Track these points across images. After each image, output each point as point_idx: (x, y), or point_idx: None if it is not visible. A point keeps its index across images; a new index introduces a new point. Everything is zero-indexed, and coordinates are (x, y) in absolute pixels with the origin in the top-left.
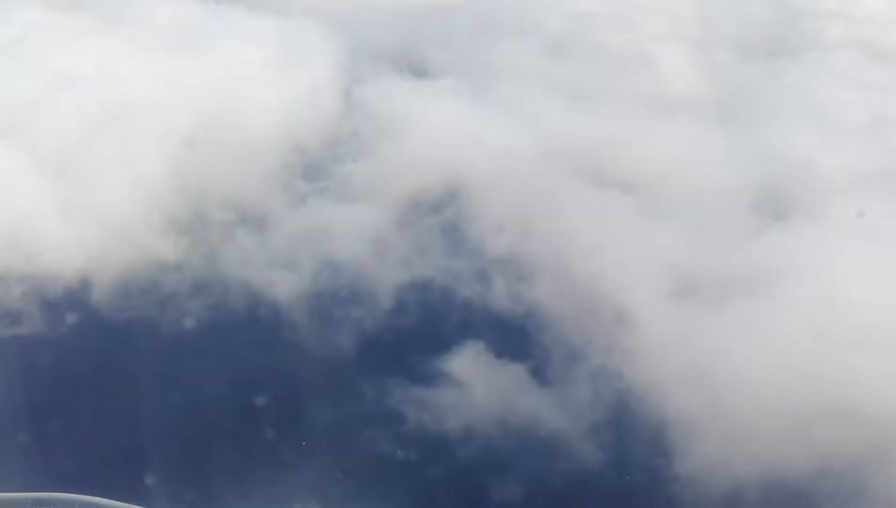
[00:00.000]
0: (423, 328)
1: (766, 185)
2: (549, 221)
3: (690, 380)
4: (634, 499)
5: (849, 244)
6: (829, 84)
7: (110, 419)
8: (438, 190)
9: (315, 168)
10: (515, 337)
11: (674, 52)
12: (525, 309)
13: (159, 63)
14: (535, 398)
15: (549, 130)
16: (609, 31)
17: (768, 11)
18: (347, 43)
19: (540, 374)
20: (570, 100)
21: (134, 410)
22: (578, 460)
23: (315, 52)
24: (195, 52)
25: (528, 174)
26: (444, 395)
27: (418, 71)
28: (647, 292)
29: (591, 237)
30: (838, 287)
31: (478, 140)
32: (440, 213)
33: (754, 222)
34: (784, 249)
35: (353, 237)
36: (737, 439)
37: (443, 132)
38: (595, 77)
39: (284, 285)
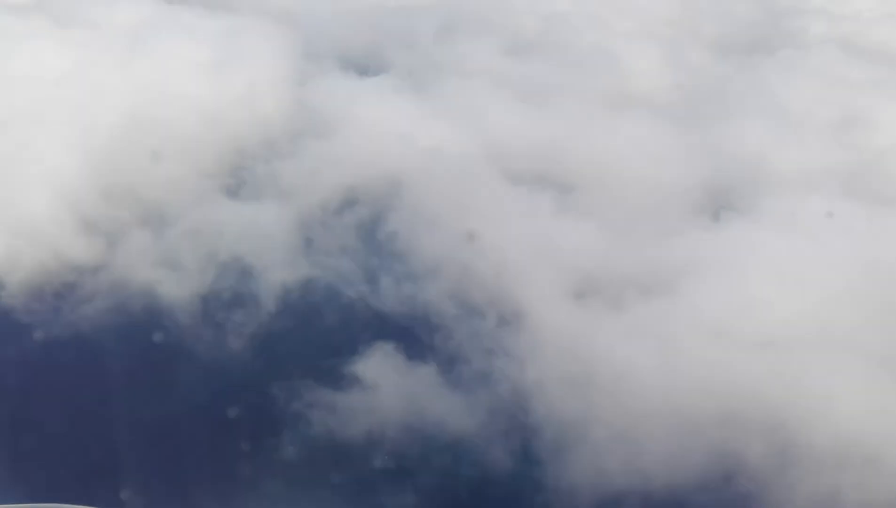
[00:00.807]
0: (330, 329)
1: (713, 183)
2: (469, 221)
3: (583, 383)
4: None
5: (781, 243)
6: (801, 81)
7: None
8: (363, 189)
9: (243, 168)
10: (418, 339)
11: (643, 52)
12: (431, 311)
13: (100, 64)
14: (433, 401)
15: (493, 129)
16: (580, 30)
17: (753, 11)
18: (304, 42)
19: (437, 376)
20: (524, 98)
21: (36, 415)
22: (479, 465)
23: (265, 52)
24: (140, 51)
25: (458, 173)
26: (346, 398)
27: (374, 70)
28: (552, 292)
29: (509, 238)
30: (756, 287)
31: (414, 139)
32: (359, 212)
33: (689, 221)
34: (710, 247)
35: (268, 238)
36: (631, 445)
37: (380, 131)
38: (557, 76)
39: (193, 287)
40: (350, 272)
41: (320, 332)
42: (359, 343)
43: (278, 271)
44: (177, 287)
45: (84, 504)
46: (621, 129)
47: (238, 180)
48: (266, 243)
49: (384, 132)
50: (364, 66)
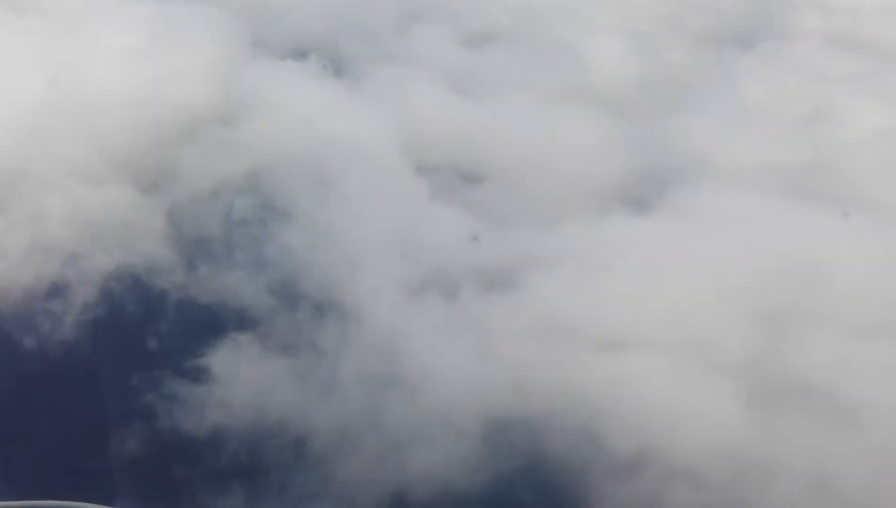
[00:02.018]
0: (170, 321)
1: (639, 176)
2: (344, 210)
3: (395, 381)
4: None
5: (677, 240)
6: (777, 75)
7: None
8: (253, 177)
9: (140, 154)
10: (250, 331)
11: (615, 46)
12: (268, 303)
13: (29, 49)
14: (252, 395)
15: (419, 118)
16: (553, 23)
17: (747, 4)
18: (252, 30)
19: (261, 368)
20: (468, 89)
21: None
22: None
23: (203, 39)
24: (75, 37)
25: (358, 162)
26: (179, 390)
27: (316, 59)
28: (394, 285)
29: (377, 228)
30: (624, 285)
31: (326, 127)
32: (234, 200)
33: (589, 215)
34: (590, 242)
35: (121, 226)
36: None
37: (295, 119)
38: (513, 68)
39: (25, 276)
40: (198, 262)
41: (160, 323)
42: (198, 335)
43: (118, 260)
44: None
45: None
46: (561, 122)
47: (130, 169)
48: (115, 231)
49: (298, 120)
50: (306, 53)
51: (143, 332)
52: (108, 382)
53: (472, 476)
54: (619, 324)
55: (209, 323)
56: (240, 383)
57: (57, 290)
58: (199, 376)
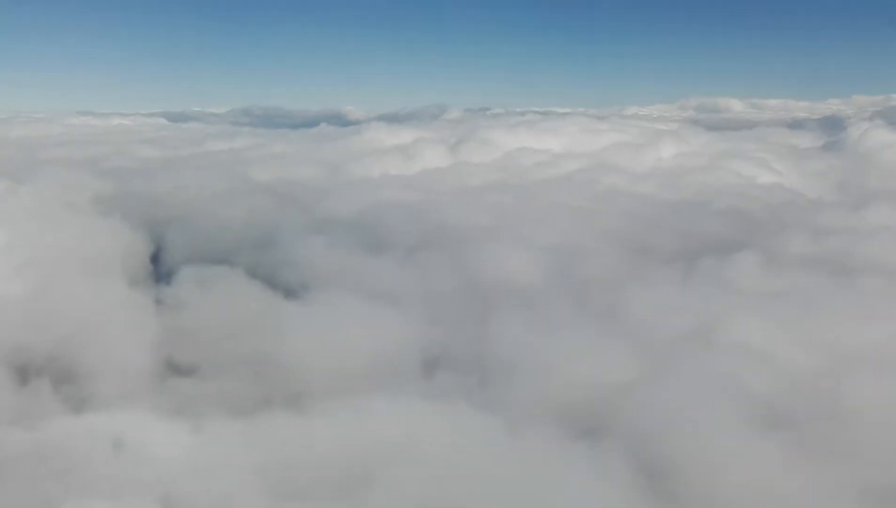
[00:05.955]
0: None
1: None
2: None
3: None
4: None
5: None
6: (684, 291)
7: None
8: None
9: None
10: None
11: (514, 258)
12: None
13: None
14: None
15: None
16: (473, 240)
17: (734, 227)
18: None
19: None
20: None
21: None
22: None
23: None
24: None
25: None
26: None
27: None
28: None
29: None
30: None
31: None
32: None
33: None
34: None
35: None
36: None
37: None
38: (376, 272)
39: None
40: None
41: None
42: None
43: None
44: None
45: None
46: (364, 322)
47: None
48: None
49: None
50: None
51: None
52: None
53: None
54: None
55: None
56: None
57: None
58: None
